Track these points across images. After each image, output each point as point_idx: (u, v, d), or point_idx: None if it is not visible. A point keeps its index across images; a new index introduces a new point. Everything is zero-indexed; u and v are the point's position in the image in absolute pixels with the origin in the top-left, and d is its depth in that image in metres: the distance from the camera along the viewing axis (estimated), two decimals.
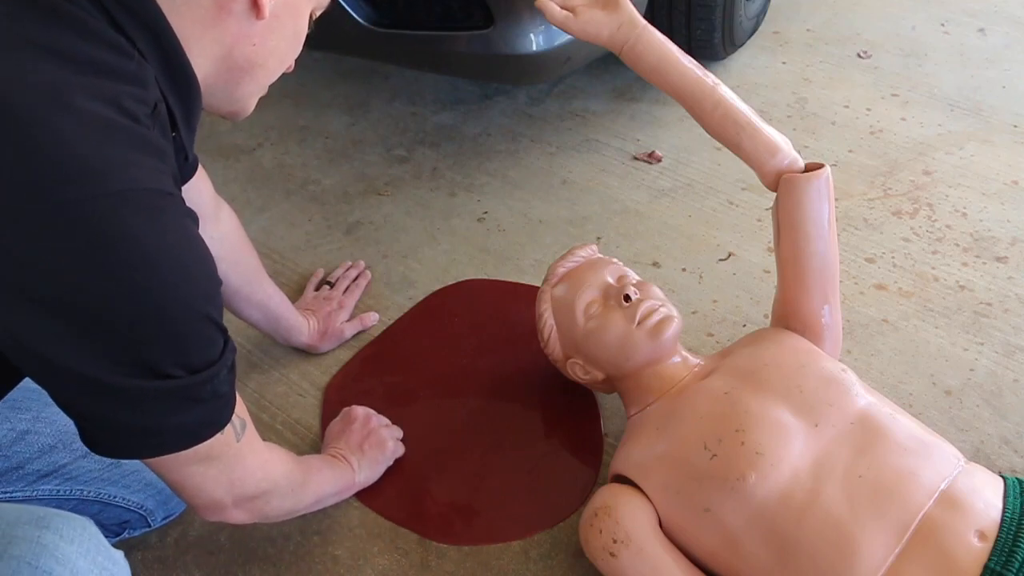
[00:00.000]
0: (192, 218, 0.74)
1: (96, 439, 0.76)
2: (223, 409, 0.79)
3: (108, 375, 0.69)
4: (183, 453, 0.78)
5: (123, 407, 0.71)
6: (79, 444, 1.00)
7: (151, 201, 0.68)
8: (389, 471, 1.24)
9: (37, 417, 1.01)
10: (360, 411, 1.26)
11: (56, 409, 1.01)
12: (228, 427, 0.81)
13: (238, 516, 0.92)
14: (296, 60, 0.89)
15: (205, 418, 0.78)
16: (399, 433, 1.27)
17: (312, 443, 1.29)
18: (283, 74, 0.89)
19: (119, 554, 0.77)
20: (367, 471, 1.20)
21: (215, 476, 0.84)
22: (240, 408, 0.84)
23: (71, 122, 0.65)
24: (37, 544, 0.71)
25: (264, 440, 0.94)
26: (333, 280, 1.53)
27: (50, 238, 0.63)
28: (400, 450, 1.26)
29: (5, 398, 0.84)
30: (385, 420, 1.27)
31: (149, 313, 0.68)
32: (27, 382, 0.85)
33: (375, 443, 1.22)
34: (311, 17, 0.88)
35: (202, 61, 0.78)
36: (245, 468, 0.88)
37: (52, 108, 0.64)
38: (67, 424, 1.02)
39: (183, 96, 0.77)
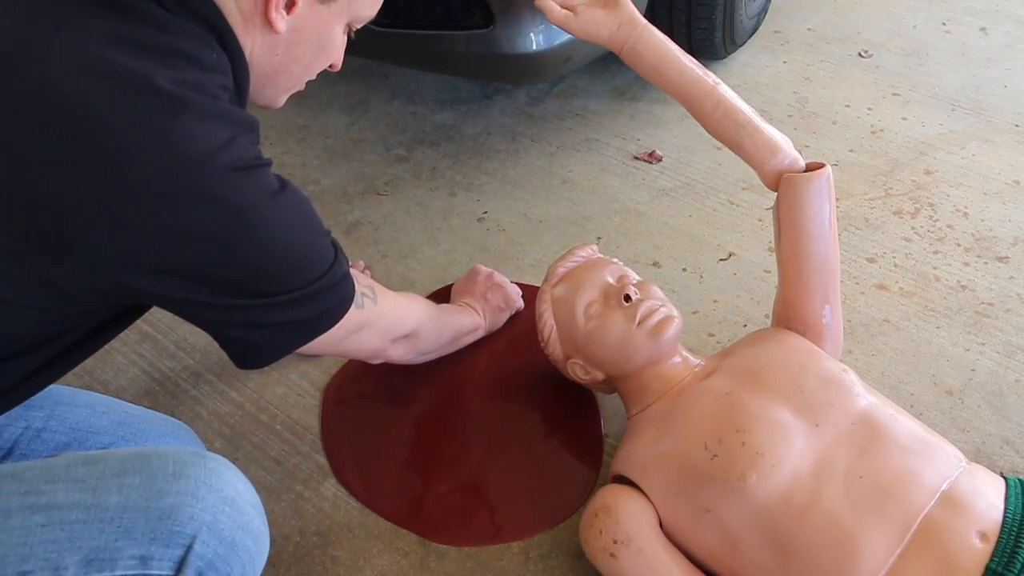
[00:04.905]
0: (271, 165, 0.83)
1: (255, 353, 0.88)
2: (348, 286, 0.93)
3: (259, 300, 0.82)
4: (339, 334, 0.93)
5: (277, 313, 0.84)
6: (91, 441, 1.04)
7: (254, 164, 0.79)
8: (389, 471, 1.24)
9: (51, 415, 1.03)
10: (483, 268, 1.43)
11: (68, 407, 1.05)
12: (363, 299, 0.97)
13: (397, 353, 1.12)
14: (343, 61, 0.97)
15: (340, 296, 0.91)
16: (519, 290, 1.43)
17: (311, 443, 1.29)
18: (328, 72, 0.97)
19: (252, 486, 0.88)
20: (491, 317, 1.37)
21: (369, 336, 1.02)
22: (363, 279, 0.99)
23: (176, 107, 0.74)
24: (205, 468, 0.82)
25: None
26: None
27: (192, 215, 0.74)
28: (521, 303, 1.43)
29: (34, 394, 0.89)
30: (506, 279, 1.43)
31: (286, 258, 0.82)
32: None
33: (499, 293, 1.40)
34: (349, 29, 0.93)
35: None
36: (391, 318, 1.06)
37: (155, 96, 0.73)
38: (78, 422, 1.05)
39: (240, 85, 0.86)
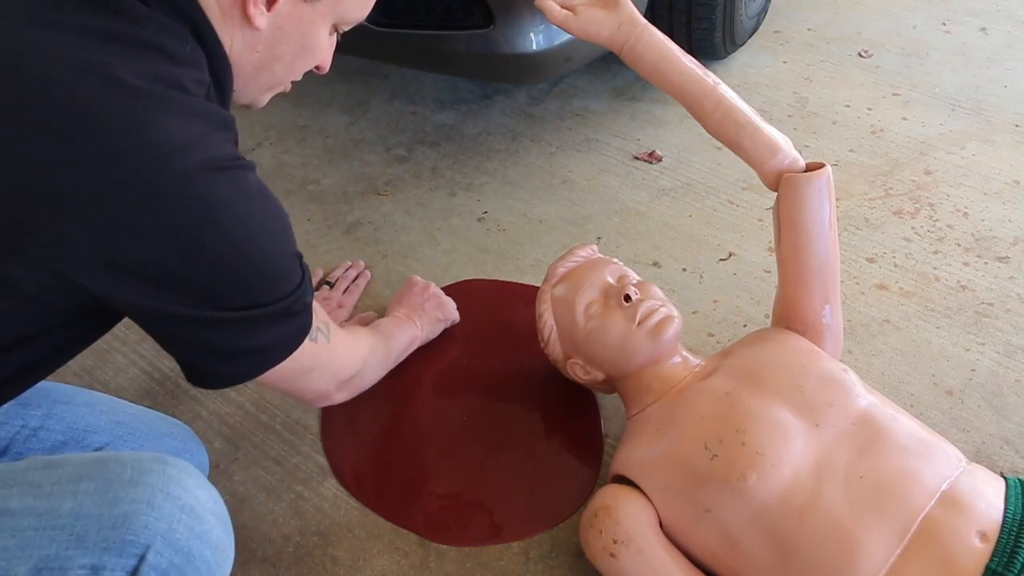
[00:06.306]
0: (254, 168, 0.81)
1: (207, 370, 0.86)
2: (309, 315, 0.90)
3: (216, 313, 0.79)
4: (293, 369, 0.90)
5: (230, 334, 0.82)
6: (88, 440, 1.03)
7: (230, 165, 0.76)
8: (389, 471, 1.24)
9: (48, 414, 1.02)
10: (419, 279, 1.43)
11: (64, 406, 1.04)
12: (319, 334, 0.94)
13: (341, 397, 1.08)
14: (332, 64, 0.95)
15: (298, 326, 0.88)
16: (454, 303, 1.42)
17: (311, 443, 1.29)
18: (315, 74, 0.95)
19: (217, 492, 0.86)
20: (428, 327, 1.37)
21: (319, 376, 0.99)
22: (321, 313, 0.96)
23: (146, 102, 0.72)
24: (164, 475, 0.79)
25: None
26: (333, 280, 1.53)
27: (152, 210, 0.71)
28: (457, 315, 1.42)
29: (16, 396, 0.87)
30: (441, 291, 1.43)
31: (249, 266, 0.78)
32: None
33: (435, 304, 1.40)
34: (336, 30, 0.91)
35: None
36: (341, 359, 1.03)
37: (123, 90, 0.71)
38: (76, 421, 1.04)
39: (220, 81, 0.83)
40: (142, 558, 0.76)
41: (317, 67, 0.93)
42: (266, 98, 0.93)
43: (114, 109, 0.71)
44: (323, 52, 0.91)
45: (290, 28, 0.85)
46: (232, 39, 0.83)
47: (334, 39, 0.92)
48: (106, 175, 0.70)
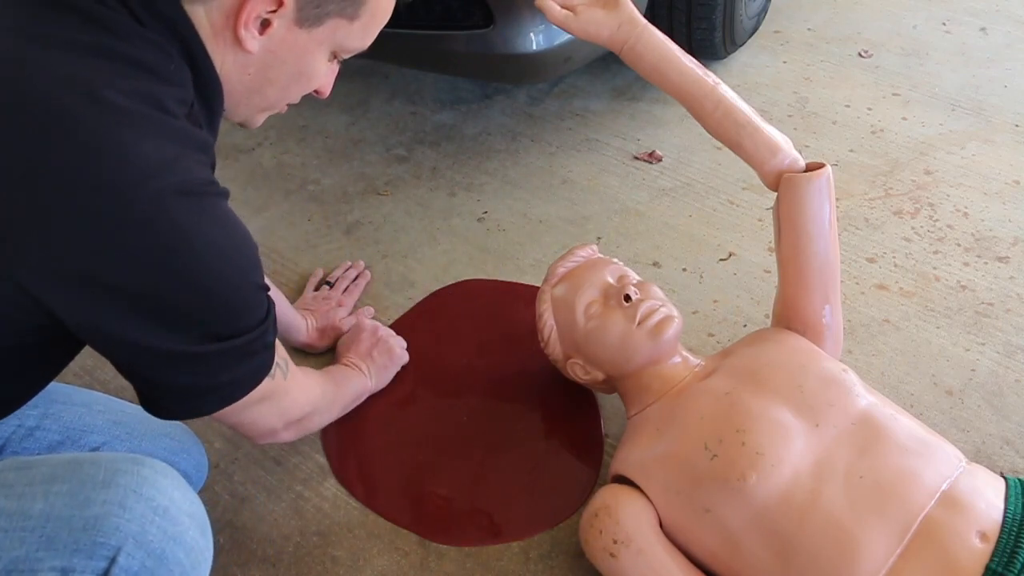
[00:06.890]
0: (227, 196, 0.81)
1: (163, 404, 0.85)
2: (271, 356, 0.89)
3: (176, 346, 0.78)
4: (243, 400, 0.88)
5: (189, 370, 0.81)
6: (85, 440, 1.03)
7: (202, 190, 0.76)
8: (389, 471, 1.24)
9: (44, 414, 1.02)
10: (368, 323, 1.37)
11: (62, 405, 1.04)
12: (276, 370, 0.91)
13: (287, 436, 1.04)
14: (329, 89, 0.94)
15: (258, 366, 0.87)
16: (404, 343, 1.36)
17: (311, 443, 1.29)
18: (315, 97, 0.95)
19: (195, 493, 0.85)
20: (377, 376, 1.31)
21: (268, 411, 0.96)
22: (280, 350, 0.94)
23: (126, 121, 0.71)
24: (138, 476, 0.79)
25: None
26: (332, 280, 1.53)
27: (120, 232, 0.71)
28: (406, 357, 1.36)
29: None
30: (391, 332, 1.37)
31: (213, 294, 0.77)
32: None
33: (383, 350, 1.33)
34: (335, 57, 0.90)
35: None
36: (293, 399, 1.00)
37: (102, 108, 0.71)
38: (72, 420, 1.04)
39: (208, 99, 0.82)
40: (113, 560, 0.75)
41: (316, 91, 0.92)
42: (260, 119, 0.92)
43: (95, 126, 0.70)
44: (320, 78, 0.90)
45: (284, 53, 0.83)
46: (223, 60, 0.81)
47: (335, 65, 0.91)
48: (81, 190, 0.70)
